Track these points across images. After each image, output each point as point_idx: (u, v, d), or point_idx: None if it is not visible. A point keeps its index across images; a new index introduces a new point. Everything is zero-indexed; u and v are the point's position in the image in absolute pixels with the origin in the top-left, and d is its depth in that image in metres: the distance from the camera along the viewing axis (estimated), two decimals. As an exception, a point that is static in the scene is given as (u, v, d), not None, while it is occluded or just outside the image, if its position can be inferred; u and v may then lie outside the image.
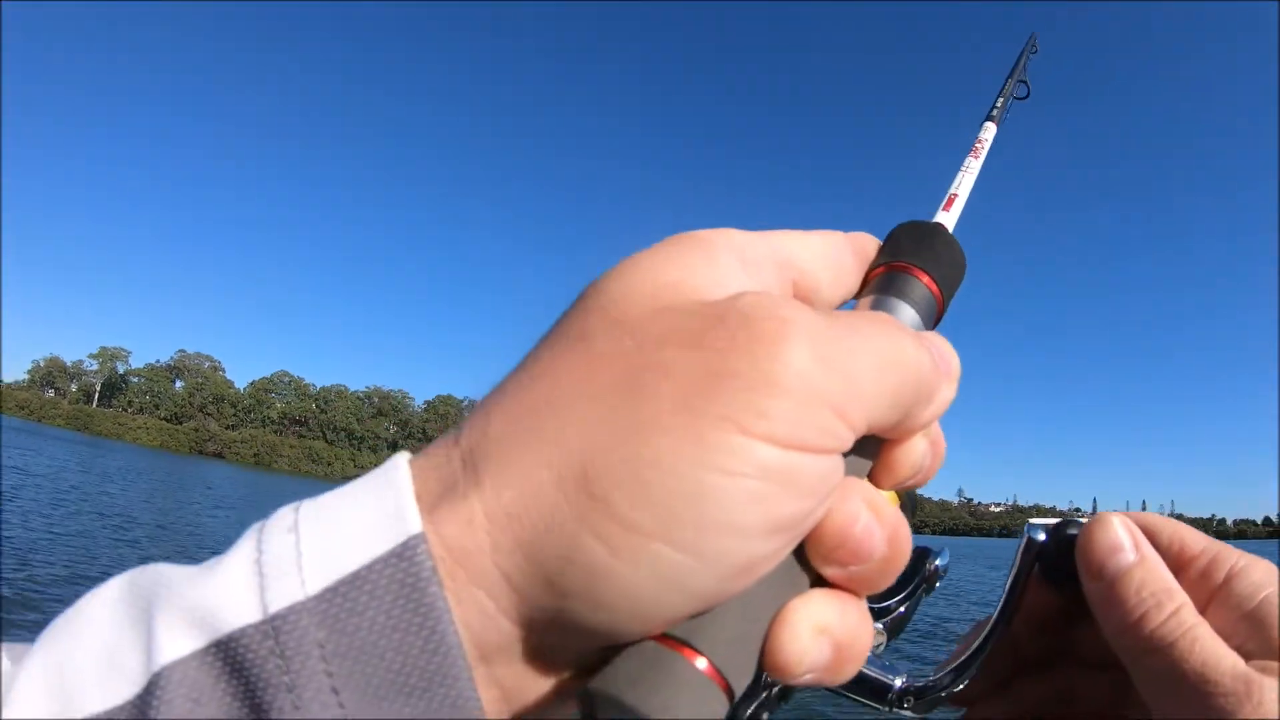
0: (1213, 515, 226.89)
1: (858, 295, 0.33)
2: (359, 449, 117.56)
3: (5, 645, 0.23)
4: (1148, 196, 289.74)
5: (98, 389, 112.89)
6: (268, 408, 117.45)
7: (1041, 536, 0.44)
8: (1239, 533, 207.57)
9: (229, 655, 0.21)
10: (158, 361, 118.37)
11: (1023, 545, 0.45)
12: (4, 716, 0.21)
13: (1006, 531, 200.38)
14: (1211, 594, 0.39)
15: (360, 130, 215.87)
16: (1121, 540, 0.40)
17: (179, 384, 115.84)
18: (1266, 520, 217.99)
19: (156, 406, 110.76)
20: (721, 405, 0.22)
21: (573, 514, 0.22)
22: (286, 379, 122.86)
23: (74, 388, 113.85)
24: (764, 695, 0.31)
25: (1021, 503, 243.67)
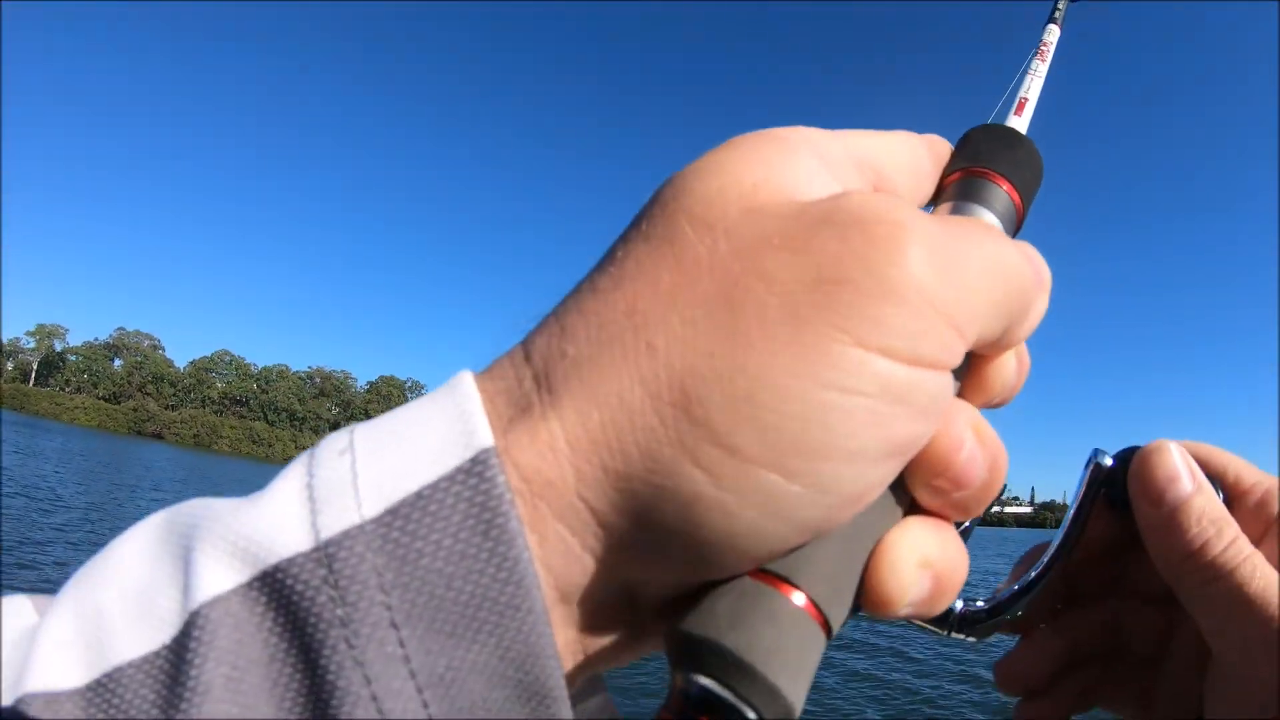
0: None
1: (934, 201, 0.30)
2: (300, 430, 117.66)
3: (32, 597, 0.22)
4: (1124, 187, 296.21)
5: (34, 367, 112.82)
6: (208, 387, 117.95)
7: (1109, 462, 0.42)
8: None
9: (276, 588, 0.19)
10: (96, 339, 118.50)
11: (1089, 473, 0.42)
12: (32, 674, 0.19)
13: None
14: (1266, 526, 0.38)
15: (300, 106, 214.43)
16: (1179, 468, 0.38)
17: (118, 363, 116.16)
18: None
19: (95, 386, 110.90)
20: (835, 315, 0.20)
21: (669, 438, 0.20)
22: (227, 358, 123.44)
23: (10, 366, 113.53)
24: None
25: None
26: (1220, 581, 0.35)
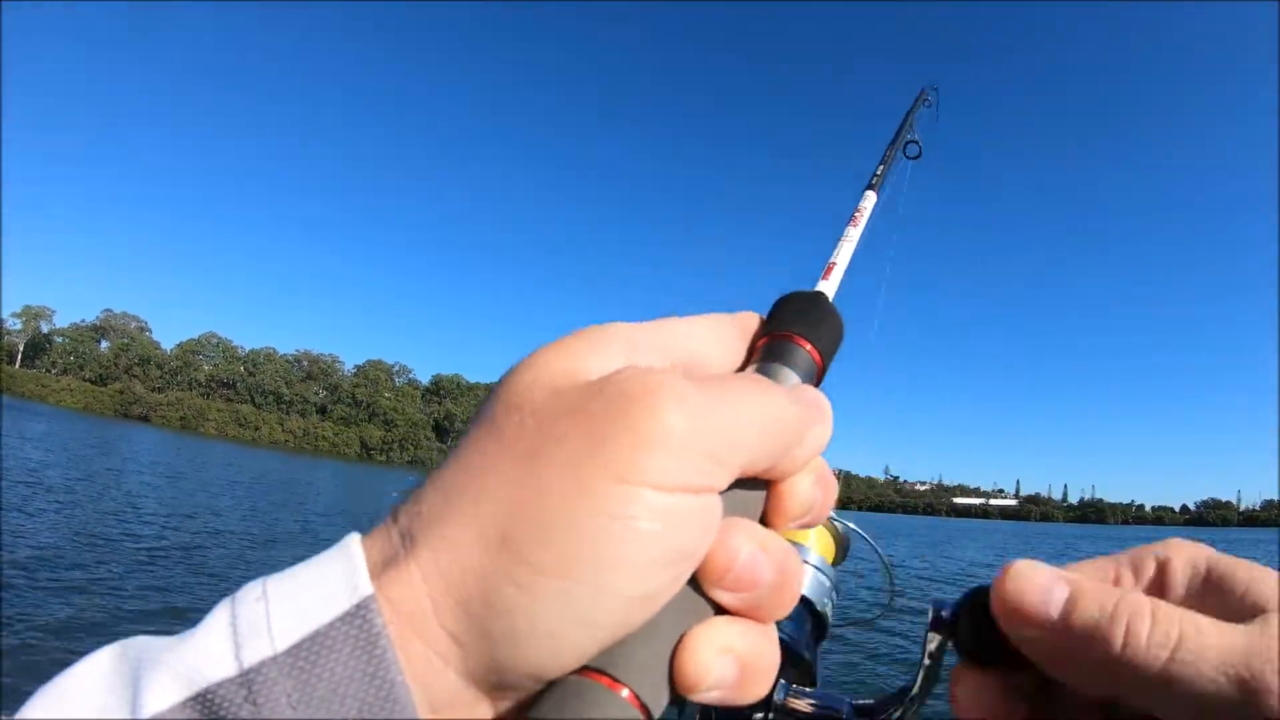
0: (1132, 501, 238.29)
1: (744, 366, 0.37)
2: (287, 413, 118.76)
3: None
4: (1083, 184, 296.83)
5: (21, 349, 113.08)
6: (195, 370, 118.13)
7: (946, 614, 0.39)
8: (1157, 519, 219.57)
9: (208, 704, 0.24)
10: (83, 321, 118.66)
11: (930, 625, 0.40)
12: None
13: (931, 509, 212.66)
14: (1155, 591, 0.38)
15: (293, 89, 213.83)
16: (1043, 574, 0.36)
17: (104, 344, 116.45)
18: (1184, 508, 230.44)
19: (81, 367, 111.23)
20: (606, 460, 0.26)
21: (494, 567, 0.26)
22: (214, 341, 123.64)
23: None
24: None
25: (946, 481, 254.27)
26: (1170, 664, 0.32)
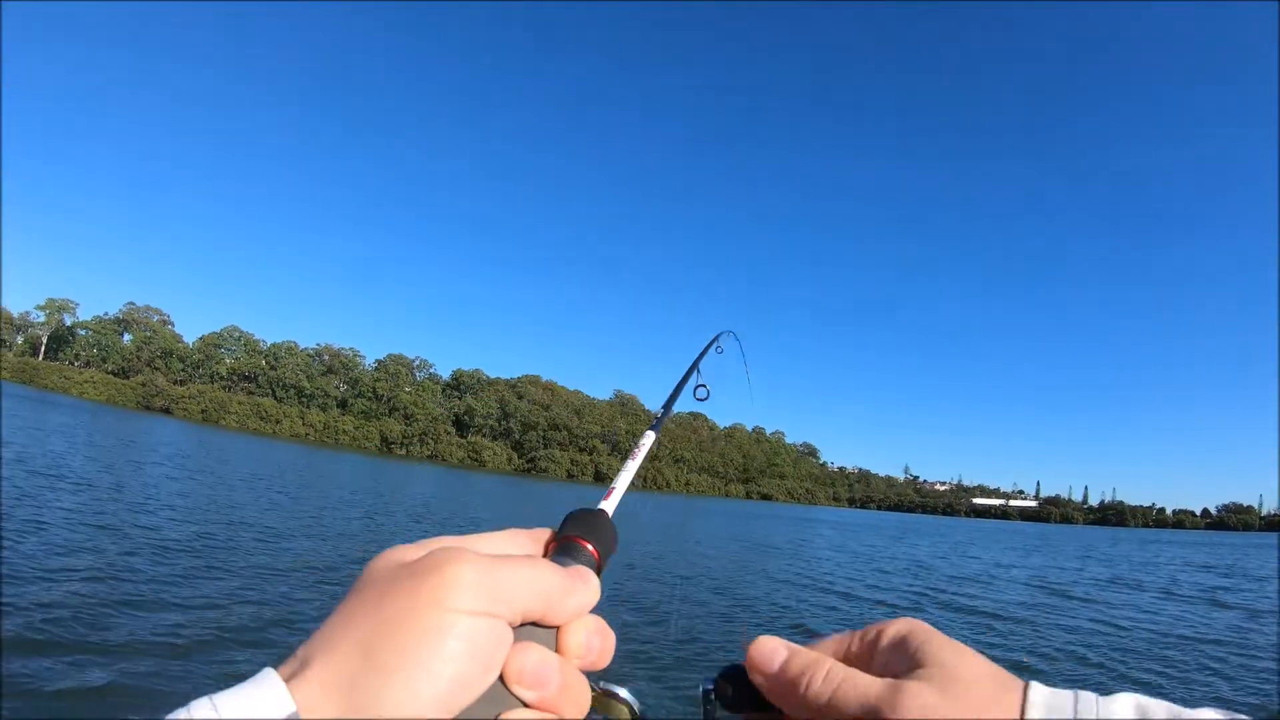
0: (1153, 504, 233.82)
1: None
2: (308, 407, 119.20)
3: None
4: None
5: (44, 341, 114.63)
6: (216, 363, 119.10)
7: (709, 685, 0.57)
8: (1177, 522, 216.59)
9: None
10: (106, 314, 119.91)
11: (702, 701, 0.58)
12: None
13: (950, 509, 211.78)
14: (867, 652, 0.57)
15: (319, 84, 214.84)
16: (774, 644, 0.57)
17: (127, 337, 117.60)
18: (1205, 512, 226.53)
19: (104, 360, 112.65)
20: (425, 595, 0.42)
21: (358, 669, 0.41)
22: (236, 334, 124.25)
23: (20, 340, 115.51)
24: None
25: (966, 482, 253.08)
26: (828, 706, 0.52)
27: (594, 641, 0.50)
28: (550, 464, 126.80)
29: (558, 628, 0.49)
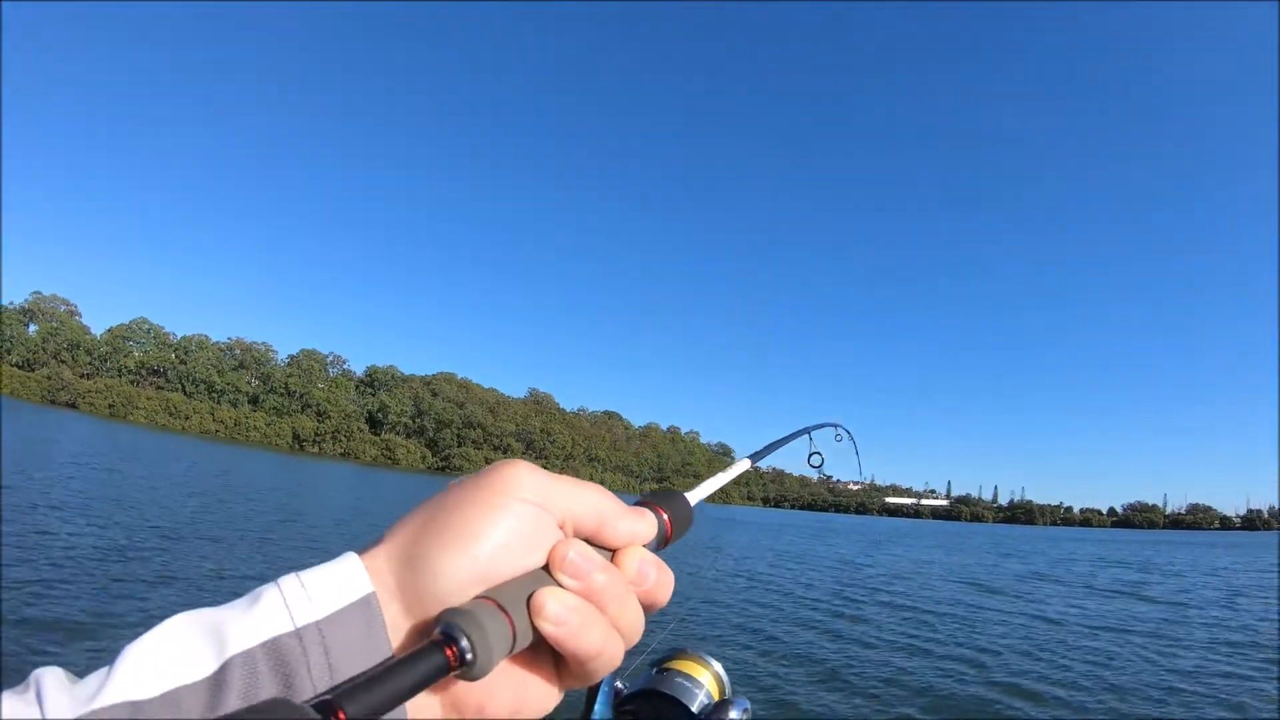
0: (1060, 503, 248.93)
1: None
2: (219, 403, 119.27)
3: (48, 671, 0.39)
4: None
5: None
6: (125, 356, 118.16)
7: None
8: (1084, 521, 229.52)
9: (274, 648, 0.40)
10: (11, 304, 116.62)
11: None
12: (105, 700, 0.37)
13: (863, 508, 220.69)
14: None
15: (231, 66, 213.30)
16: None
17: (33, 328, 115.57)
18: (1111, 511, 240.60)
19: (8, 352, 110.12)
20: (486, 481, 0.48)
21: (418, 539, 0.46)
22: (145, 326, 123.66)
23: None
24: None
25: (879, 481, 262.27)
26: None
27: (648, 570, 0.52)
28: (465, 462, 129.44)
29: (613, 552, 0.52)
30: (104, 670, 0.38)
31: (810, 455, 0.97)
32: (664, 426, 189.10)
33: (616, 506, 0.52)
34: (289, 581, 0.44)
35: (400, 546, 0.46)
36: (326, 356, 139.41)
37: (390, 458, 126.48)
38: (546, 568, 0.48)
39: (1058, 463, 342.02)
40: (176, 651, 0.39)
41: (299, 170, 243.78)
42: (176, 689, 0.38)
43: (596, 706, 0.67)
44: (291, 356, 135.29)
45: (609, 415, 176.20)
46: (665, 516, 0.58)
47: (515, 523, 0.47)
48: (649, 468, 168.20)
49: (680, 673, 0.76)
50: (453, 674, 0.42)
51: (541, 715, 0.51)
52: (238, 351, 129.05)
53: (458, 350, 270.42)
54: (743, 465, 0.78)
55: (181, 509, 19.48)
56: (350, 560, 0.46)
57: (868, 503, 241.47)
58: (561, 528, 0.50)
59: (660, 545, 0.57)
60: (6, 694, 0.37)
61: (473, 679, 0.43)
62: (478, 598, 0.45)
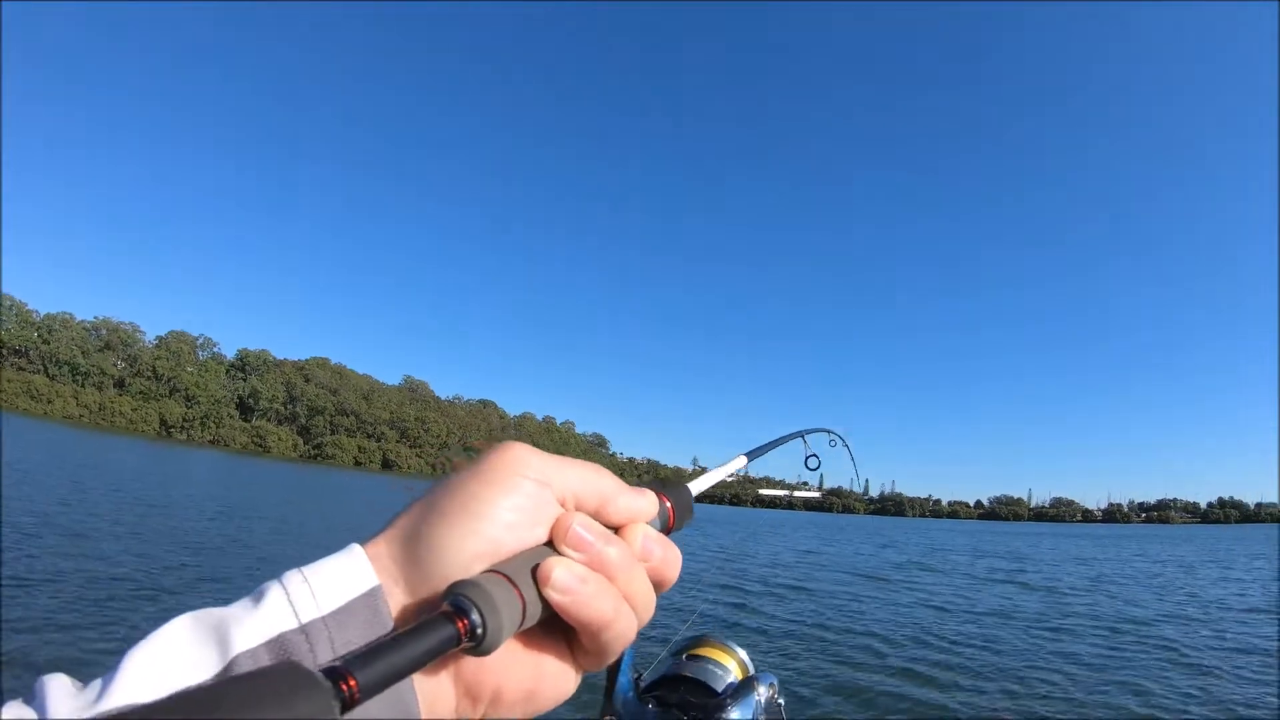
0: (929, 495, 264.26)
1: None
2: (83, 386, 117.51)
3: (54, 678, 0.39)
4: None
5: None
6: None
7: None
8: (952, 513, 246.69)
9: (279, 645, 0.41)
10: None
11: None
12: (109, 704, 0.37)
13: (737, 499, 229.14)
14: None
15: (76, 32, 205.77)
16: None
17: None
18: (979, 503, 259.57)
19: None
20: (489, 463, 0.49)
21: (422, 518, 0.47)
22: (8, 303, 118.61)
23: None
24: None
25: (752, 473, 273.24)
26: None
27: (653, 546, 0.53)
28: (338, 451, 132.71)
29: (617, 530, 0.53)
30: (108, 675, 0.39)
31: (807, 458, 1.00)
32: (539, 417, 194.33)
33: (618, 484, 0.54)
34: (293, 577, 0.44)
35: (403, 529, 0.47)
36: (196, 338, 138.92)
37: (261, 445, 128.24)
38: (550, 544, 0.49)
39: (928, 456, 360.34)
40: (180, 653, 0.39)
41: (167, 136, 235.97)
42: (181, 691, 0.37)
43: (619, 686, 0.65)
44: (160, 338, 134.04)
45: (484, 404, 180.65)
46: (668, 504, 0.59)
47: (518, 499, 0.48)
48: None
49: (704, 658, 0.83)
50: (463, 647, 0.42)
51: (559, 700, 0.52)
52: (104, 332, 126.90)
53: (332, 335, 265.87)
54: (739, 462, 0.81)
55: (42, 502, 18.00)
56: (355, 553, 0.46)
57: (741, 494, 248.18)
58: (563, 504, 0.51)
59: (663, 531, 0.58)
60: (10, 703, 0.38)
61: (483, 653, 0.43)
62: (485, 571, 0.45)
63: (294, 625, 0.42)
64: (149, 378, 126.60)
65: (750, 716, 0.87)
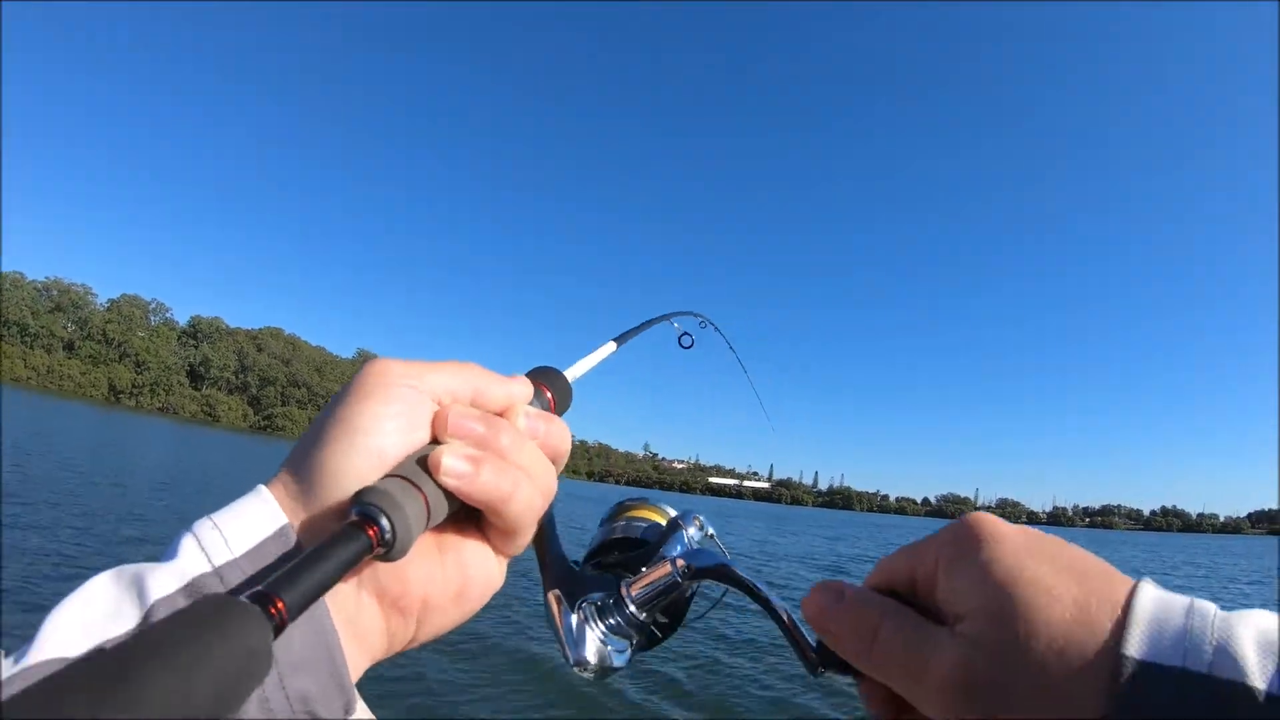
0: (878, 490, 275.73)
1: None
2: (31, 348, 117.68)
3: None
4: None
5: None
6: None
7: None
8: (899, 509, 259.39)
9: (194, 589, 0.41)
10: None
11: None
12: (34, 659, 0.36)
13: (687, 487, 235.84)
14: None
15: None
16: (826, 592, 0.51)
17: None
18: (925, 501, 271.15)
19: None
20: (360, 378, 0.50)
21: (309, 450, 0.47)
22: None
23: None
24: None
25: (703, 461, 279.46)
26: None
27: (536, 424, 0.55)
28: (288, 422, 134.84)
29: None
30: (31, 638, 0.39)
31: (681, 336, 1.01)
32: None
33: (490, 375, 0.55)
34: (203, 525, 0.44)
35: (297, 464, 0.48)
36: (149, 303, 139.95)
37: (211, 415, 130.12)
38: (437, 441, 0.50)
39: (878, 453, 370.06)
40: (100, 607, 0.40)
41: (130, 100, 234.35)
42: (103, 643, 0.38)
43: (553, 558, 0.67)
44: (112, 301, 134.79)
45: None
46: (548, 394, 0.61)
47: (395, 406, 0.49)
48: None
49: (631, 518, 0.78)
50: (377, 553, 0.43)
51: (490, 590, 0.54)
52: (55, 293, 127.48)
53: (286, 306, 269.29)
54: (609, 348, 0.81)
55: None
56: (261, 494, 0.46)
57: (691, 481, 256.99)
58: (439, 404, 0.51)
59: None
60: None
61: (397, 556, 0.44)
62: (383, 478, 0.46)
63: (208, 569, 0.42)
64: (99, 341, 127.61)
65: (684, 549, 0.78)
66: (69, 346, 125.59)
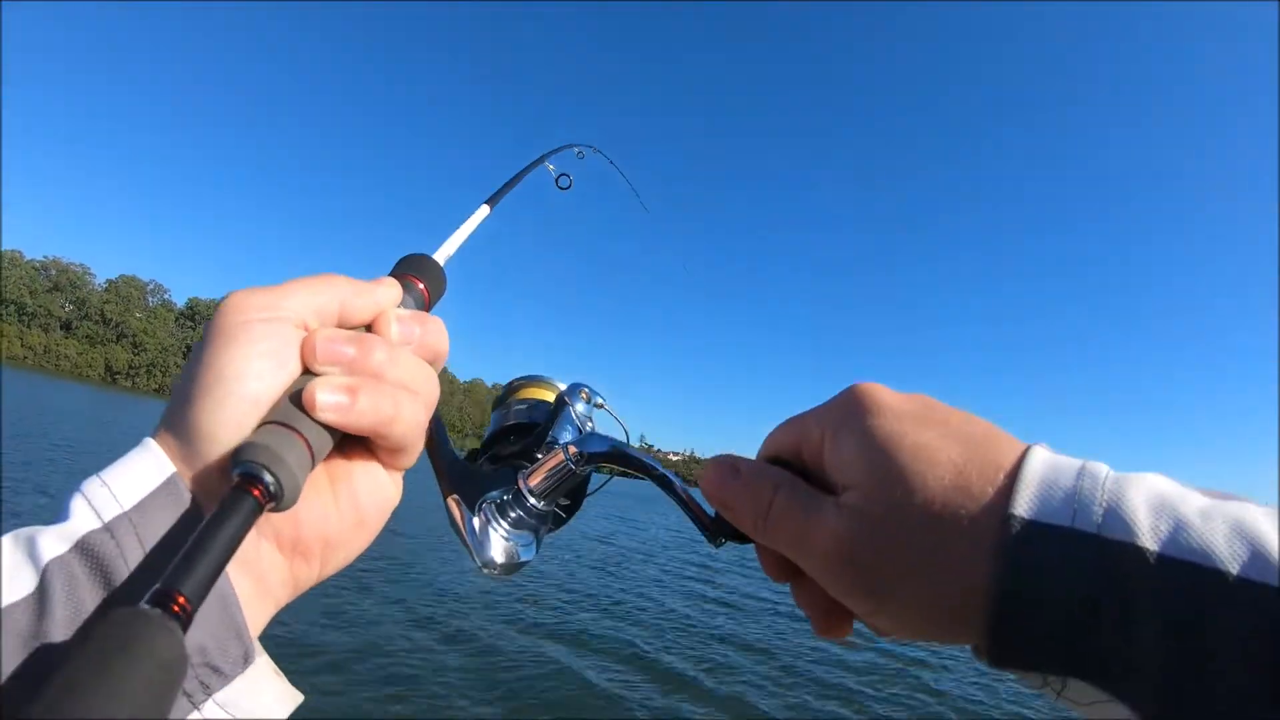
0: None
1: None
2: (29, 327, 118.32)
3: None
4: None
5: None
6: None
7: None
8: None
9: (85, 547, 0.41)
10: None
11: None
12: None
13: (683, 478, 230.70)
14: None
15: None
16: (722, 465, 0.53)
17: None
18: None
19: None
20: (220, 313, 0.47)
21: (183, 404, 0.45)
22: None
23: None
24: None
25: (699, 454, 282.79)
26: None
27: (409, 328, 0.53)
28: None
29: (369, 328, 0.53)
30: None
31: (559, 178, 0.93)
32: (489, 383, 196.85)
33: (353, 284, 0.52)
34: (91, 483, 0.43)
35: (173, 421, 0.46)
36: (147, 284, 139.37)
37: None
38: (309, 371, 0.48)
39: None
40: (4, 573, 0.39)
41: (126, 80, 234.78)
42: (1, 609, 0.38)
43: (446, 460, 0.66)
44: (110, 281, 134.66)
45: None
46: (421, 286, 0.59)
47: (258, 344, 0.46)
48: (472, 425, 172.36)
49: (523, 399, 0.77)
50: (267, 510, 0.42)
51: (388, 509, 0.54)
52: (53, 272, 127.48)
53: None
54: (482, 211, 0.78)
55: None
56: (149, 447, 0.45)
57: (687, 474, 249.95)
58: (305, 328, 0.49)
59: (422, 310, 0.58)
60: None
61: (286, 506, 0.43)
62: (258, 427, 0.45)
63: (97, 525, 0.42)
64: (96, 322, 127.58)
65: (575, 427, 0.76)
66: (66, 326, 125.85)
